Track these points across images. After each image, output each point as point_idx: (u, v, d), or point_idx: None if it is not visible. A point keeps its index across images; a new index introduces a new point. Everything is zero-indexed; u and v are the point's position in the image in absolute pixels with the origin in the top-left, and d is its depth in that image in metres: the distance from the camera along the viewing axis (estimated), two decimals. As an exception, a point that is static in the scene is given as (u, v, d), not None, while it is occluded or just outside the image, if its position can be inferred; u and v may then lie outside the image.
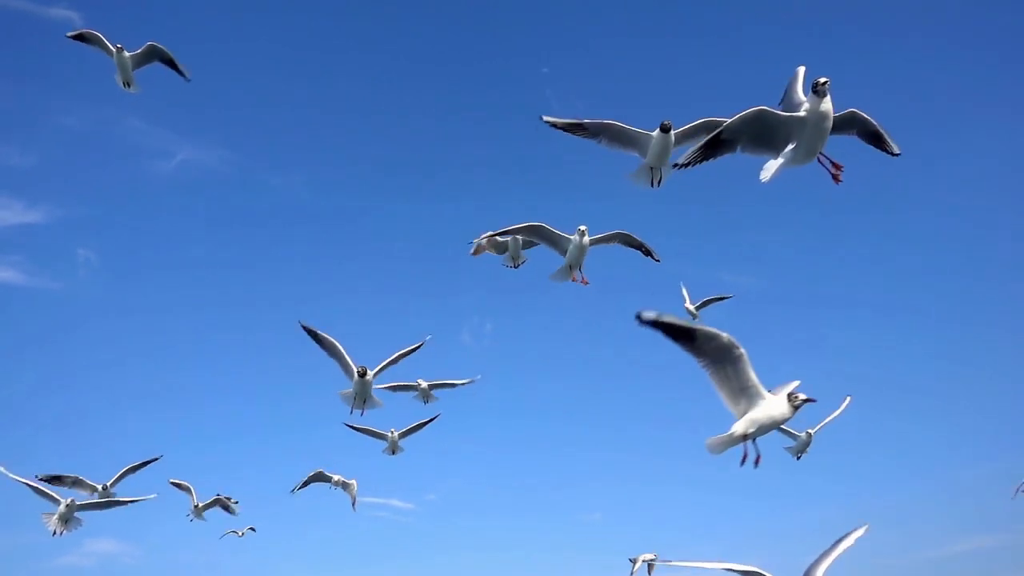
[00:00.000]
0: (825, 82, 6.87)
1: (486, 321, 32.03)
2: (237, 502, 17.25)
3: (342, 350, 11.97)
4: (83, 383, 29.64)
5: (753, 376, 6.04)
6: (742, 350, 5.93)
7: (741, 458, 6.34)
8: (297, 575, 27.82)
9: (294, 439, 28.31)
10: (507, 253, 12.31)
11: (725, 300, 16.46)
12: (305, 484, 15.79)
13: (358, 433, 15.21)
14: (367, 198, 34.83)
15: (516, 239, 11.90)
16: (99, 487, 14.32)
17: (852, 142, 7.76)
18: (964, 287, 31.61)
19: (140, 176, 32.78)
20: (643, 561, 17.13)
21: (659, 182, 9.64)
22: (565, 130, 9.29)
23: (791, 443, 15.37)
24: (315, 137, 35.27)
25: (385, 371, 12.49)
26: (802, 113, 7.00)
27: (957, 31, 32.11)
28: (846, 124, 7.49)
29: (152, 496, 13.79)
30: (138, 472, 14.79)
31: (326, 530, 28.53)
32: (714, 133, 7.10)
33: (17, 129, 30.33)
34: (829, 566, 7.88)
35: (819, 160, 7.44)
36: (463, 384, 15.53)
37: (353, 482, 15.92)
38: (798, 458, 15.49)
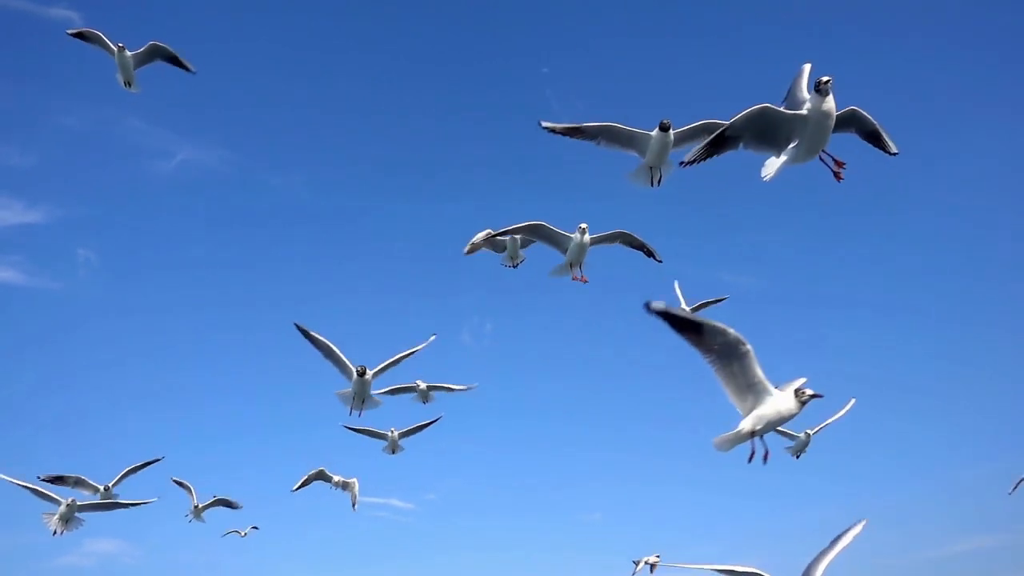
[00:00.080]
0: (828, 81, 6.89)
1: (486, 321, 32.06)
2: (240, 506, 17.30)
3: (336, 350, 11.92)
4: (83, 383, 29.76)
5: (760, 372, 6.03)
6: (749, 347, 5.92)
7: (749, 455, 6.37)
8: (297, 575, 27.85)
9: (294, 439, 28.37)
10: (505, 252, 12.31)
11: (721, 302, 16.47)
12: (306, 482, 15.72)
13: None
14: (367, 198, 34.91)
15: (514, 238, 11.89)
16: (101, 488, 14.32)
17: (851, 143, 7.79)
18: (964, 287, 31.77)
19: (140, 176, 32.86)
20: (645, 563, 17.15)
21: (659, 181, 9.66)
22: (564, 134, 9.32)
23: (790, 443, 15.42)
24: (315, 137, 35.34)
25: (385, 372, 12.45)
26: (804, 111, 7.03)
27: (957, 31, 32.25)
28: (846, 122, 7.51)
29: (153, 500, 13.84)
30: (139, 472, 14.80)
31: (326, 530, 28.61)
32: (719, 130, 7.12)
33: (17, 129, 30.40)
34: (828, 565, 7.88)
35: (820, 158, 7.46)
36: (461, 390, 15.55)
37: (354, 480, 15.84)
38: (797, 457, 15.55)
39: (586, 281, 11.22)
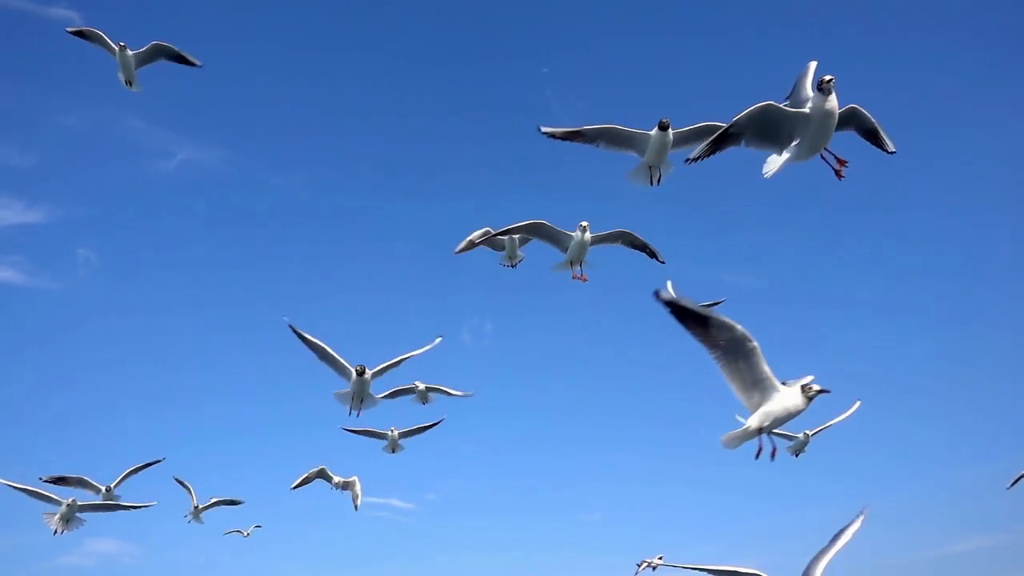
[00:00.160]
0: (830, 80, 6.90)
1: (486, 321, 32.01)
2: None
3: (331, 351, 11.83)
4: (83, 383, 29.73)
5: (766, 369, 6.00)
6: (755, 343, 5.89)
7: (756, 451, 6.35)
8: (297, 575, 27.82)
9: (294, 439, 28.31)
10: (504, 252, 12.31)
11: (718, 304, 16.47)
12: (306, 480, 15.65)
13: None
14: (367, 198, 34.87)
15: (512, 238, 11.88)
16: (103, 488, 14.32)
17: (851, 142, 7.80)
18: (964, 287, 31.79)
19: (140, 176, 32.81)
20: (647, 564, 17.15)
21: (658, 181, 9.68)
22: (563, 139, 9.35)
23: (789, 443, 15.45)
24: (315, 137, 35.30)
25: (386, 373, 12.37)
26: (807, 110, 7.05)
27: (957, 31, 32.27)
28: (846, 120, 7.50)
29: (152, 504, 13.83)
30: (140, 473, 14.79)
31: (326, 530, 28.59)
32: (724, 128, 7.14)
33: (17, 129, 30.34)
34: (828, 564, 7.90)
35: (822, 156, 7.48)
36: (459, 395, 15.52)
37: (355, 479, 15.75)
38: (796, 456, 15.58)
39: (586, 280, 11.23)
